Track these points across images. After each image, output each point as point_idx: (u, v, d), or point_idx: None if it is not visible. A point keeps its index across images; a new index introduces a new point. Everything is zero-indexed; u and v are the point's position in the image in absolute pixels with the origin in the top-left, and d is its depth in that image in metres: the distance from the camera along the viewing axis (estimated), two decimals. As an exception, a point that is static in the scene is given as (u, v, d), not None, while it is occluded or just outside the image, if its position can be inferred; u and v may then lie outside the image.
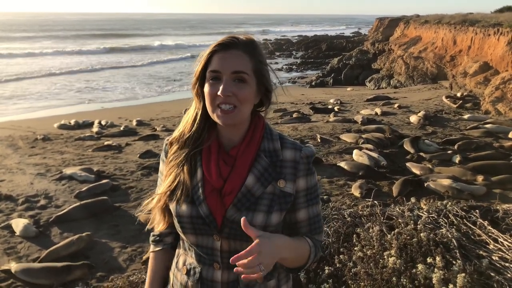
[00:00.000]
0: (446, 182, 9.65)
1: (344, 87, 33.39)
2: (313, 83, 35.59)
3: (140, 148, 13.57)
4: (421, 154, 11.88)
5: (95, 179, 10.12)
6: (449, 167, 10.98)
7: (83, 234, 7.09)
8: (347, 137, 13.71)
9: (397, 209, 4.27)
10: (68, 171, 10.57)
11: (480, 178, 10.04)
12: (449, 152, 12.07)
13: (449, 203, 4.22)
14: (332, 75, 37.67)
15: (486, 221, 3.64)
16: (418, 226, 3.60)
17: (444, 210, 3.92)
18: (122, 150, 13.44)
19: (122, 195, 9.40)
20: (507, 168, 10.51)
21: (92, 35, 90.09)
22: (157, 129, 16.75)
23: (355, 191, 9.45)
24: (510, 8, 38.10)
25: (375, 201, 4.80)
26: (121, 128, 16.89)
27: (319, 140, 13.50)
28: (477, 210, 3.84)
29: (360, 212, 4.37)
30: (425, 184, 9.68)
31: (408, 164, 11.10)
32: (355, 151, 11.88)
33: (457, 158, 11.45)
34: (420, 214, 3.99)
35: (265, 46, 1.98)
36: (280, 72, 45.45)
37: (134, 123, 18.24)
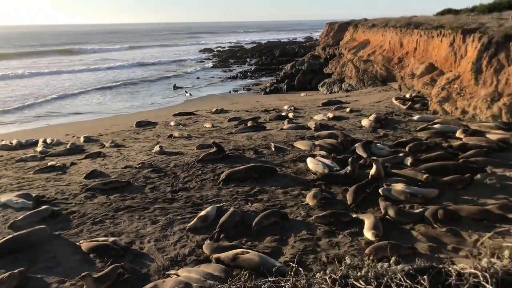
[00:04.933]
0: (399, 186, 9.63)
1: (298, 93, 33.52)
2: (268, 90, 35.55)
3: (86, 167, 12.83)
4: (374, 158, 11.85)
5: (33, 205, 9.36)
6: (402, 169, 11.01)
7: (15, 271, 6.43)
8: (301, 145, 13.56)
9: (327, 278, 3.50)
10: (3, 198, 9.74)
11: (424, 176, 10.08)
12: (400, 154, 12.13)
13: (392, 265, 3.66)
14: (286, 81, 37.76)
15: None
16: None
17: (386, 278, 3.28)
18: (66, 171, 12.65)
19: (63, 221, 8.73)
20: (457, 168, 10.64)
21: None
22: (106, 145, 15.97)
23: (310, 200, 9.25)
24: (450, 11, 39.79)
25: (301, 269, 4.10)
26: (68, 146, 16.00)
27: (273, 149, 13.27)
28: (425, 276, 3.23)
29: (283, 284, 3.76)
30: (379, 190, 9.62)
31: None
32: (309, 159, 11.73)
33: (408, 161, 11.52)
34: (355, 283, 3.34)
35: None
36: (236, 80, 45.33)
37: (82, 139, 17.34)
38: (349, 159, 10.59)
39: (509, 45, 16.15)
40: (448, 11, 39.22)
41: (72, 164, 13.38)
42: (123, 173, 11.71)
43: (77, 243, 7.70)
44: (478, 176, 10.16)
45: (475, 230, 7.74)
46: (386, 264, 3.55)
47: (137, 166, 12.16)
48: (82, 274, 6.44)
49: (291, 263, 4.96)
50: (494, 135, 13.42)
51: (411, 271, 3.37)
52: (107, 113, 27.36)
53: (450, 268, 3.37)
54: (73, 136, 18.59)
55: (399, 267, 3.51)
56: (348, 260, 3.83)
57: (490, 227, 7.81)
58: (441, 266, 3.41)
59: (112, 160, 13.57)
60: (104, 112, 27.88)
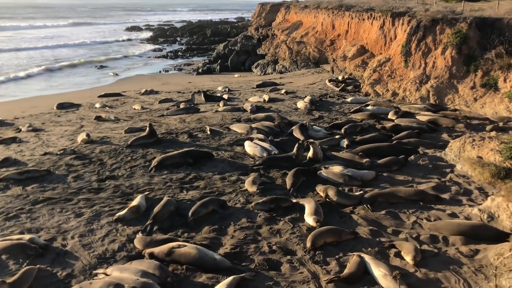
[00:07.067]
0: (337, 169, 9.54)
1: (232, 74, 33.01)
2: (200, 70, 34.65)
3: (-2, 154, 11.47)
4: (311, 140, 11.71)
5: None
6: (339, 152, 10.97)
7: None
8: (237, 128, 13.10)
9: None
10: None
11: (364, 160, 10.12)
12: (337, 137, 12.13)
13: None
14: (219, 61, 37.04)
15: None
16: None
17: None
18: (-26, 159, 11.19)
19: (-32, 218, 7.61)
20: (391, 150, 10.77)
21: None
22: (22, 129, 14.45)
23: (249, 187, 8.84)
24: (378, -5, 41.06)
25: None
26: (-24, 131, 14.28)
27: (208, 132, 12.70)
28: None
29: None
30: (318, 173, 9.47)
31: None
32: (247, 143, 11.32)
33: (344, 143, 11.54)
34: None
35: None
36: (166, 59, 43.68)
37: (-6, 123, 15.58)
38: (296, 144, 10.40)
39: (435, 29, 16.72)
40: (376, -5, 40.37)
41: (-19, 151, 11.91)
42: (42, 161, 10.57)
43: (-14, 243, 6.71)
44: (412, 157, 10.38)
45: (412, 211, 7.80)
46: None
47: (58, 153, 11.04)
48: (-6, 282, 5.60)
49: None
50: (423, 117, 13.86)
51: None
52: (23, 95, 24.98)
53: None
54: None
55: None
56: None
57: (426, 208, 7.92)
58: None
59: (30, 146, 12.25)
60: (20, 94, 25.42)
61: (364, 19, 24.77)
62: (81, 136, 12.27)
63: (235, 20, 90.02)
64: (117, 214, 7.56)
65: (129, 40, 62.49)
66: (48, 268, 6.20)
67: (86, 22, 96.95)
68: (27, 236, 6.79)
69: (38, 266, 6.13)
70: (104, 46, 53.93)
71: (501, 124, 13.00)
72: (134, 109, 17.31)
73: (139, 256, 6.44)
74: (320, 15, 32.98)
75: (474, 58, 15.64)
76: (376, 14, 22.81)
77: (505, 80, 14.56)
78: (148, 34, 69.91)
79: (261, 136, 11.87)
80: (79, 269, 6.18)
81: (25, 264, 6.24)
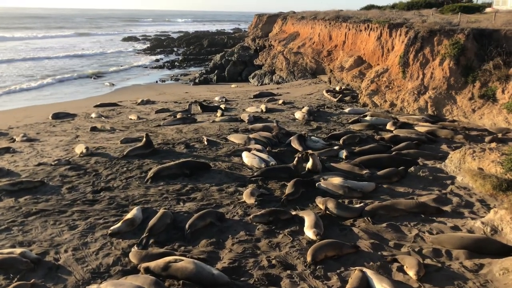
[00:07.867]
0: (337, 180, 9.39)
1: (228, 84, 32.97)
2: (197, 80, 34.56)
3: (-9, 165, 11.24)
4: (310, 151, 11.58)
5: None
6: (338, 163, 10.83)
7: None
8: (235, 138, 12.96)
9: None
10: None
11: (364, 172, 9.98)
12: (335, 148, 11.99)
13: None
14: (216, 71, 37.03)
15: None
16: None
17: None
18: (-34, 170, 10.97)
19: (-42, 231, 7.38)
20: (390, 161, 10.65)
21: None
22: (17, 139, 14.23)
23: (248, 199, 8.67)
24: (373, 6, 41.30)
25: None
26: (-31, 141, 14.05)
27: (206, 143, 12.54)
28: None
29: None
30: (316, 184, 9.32)
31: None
32: (244, 153, 11.18)
33: (343, 154, 11.40)
34: None
35: None
36: (163, 69, 43.63)
37: (-13, 133, 15.36)
38: (296, 157, 10.31)
39: (433, 40, 16.71)
40: (372, 6, 40.63)
41: (-26, 161, 11.68)
42: (36, 172, 10.36)
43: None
44: (412, 169, 10.24)
45: (413, 224, 7.65)
46: None
47: (53, 163, 10.84)
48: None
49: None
50: (422, 128, 13.77)
51: None
52: (18, 104, 24.77)
53: None
54: (-23, 129, 16.44)
55: None
56: None
57: (427, 221, 7.77)
58: None
59: (24, 156, 12.05)
60: (15, 104, 25.22)
61: (361, 30, 24.81)
62: (80, 149, 11.98)
63: (232, 31, 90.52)
64: (111, 228, 7.35)
65: (126, 50, 62.42)
66: (42, 283, 5.98)
67: (83, 32, 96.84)
68: (18, 250, 6.57)
69: (33, 280, 5.93)
70: (101, 56, 53.79)
71: (500, 135, 12.93)
72: (130, 119, 17.15)
73: (135, 270, 6.23)
74: (317, 26, 33.08)
75: (472, 69, 15.61)
76: (373, 25, 22.85)
77: (503, 91, 14.52)
78: (145, 45, 70.00)
79: (259, 146, 11.73)
80: (72, 284, 5.97)
81: (15, 279, 6.02)
